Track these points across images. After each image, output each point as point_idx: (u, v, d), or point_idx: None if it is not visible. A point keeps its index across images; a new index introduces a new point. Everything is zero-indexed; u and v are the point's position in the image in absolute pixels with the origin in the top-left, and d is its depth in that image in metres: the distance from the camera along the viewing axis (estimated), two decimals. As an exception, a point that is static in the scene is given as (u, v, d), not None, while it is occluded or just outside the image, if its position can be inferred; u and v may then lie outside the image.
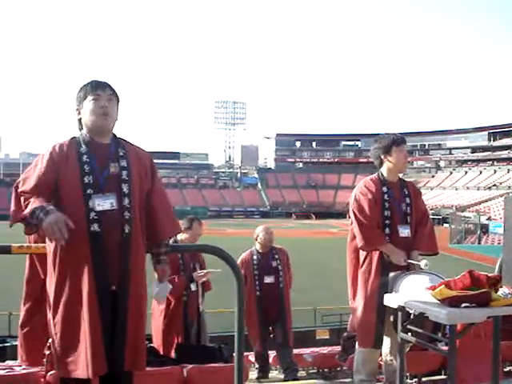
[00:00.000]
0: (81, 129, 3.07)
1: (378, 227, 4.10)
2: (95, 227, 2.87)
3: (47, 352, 3.30)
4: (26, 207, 2.81)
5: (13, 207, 2.89)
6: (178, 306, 5.41)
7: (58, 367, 2.90)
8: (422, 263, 3.85)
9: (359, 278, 4.17)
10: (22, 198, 2.86)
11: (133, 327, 2.93)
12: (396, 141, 4.22)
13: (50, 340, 2.97)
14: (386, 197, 4.15)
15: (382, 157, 4.25)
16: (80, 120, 3.06)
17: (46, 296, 2.97)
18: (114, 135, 3.10)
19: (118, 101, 3.10)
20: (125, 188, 2.96)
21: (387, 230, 4.10)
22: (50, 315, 2.92)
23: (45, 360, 3.46)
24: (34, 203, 2.79)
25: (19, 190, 2.90)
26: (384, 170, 4.27)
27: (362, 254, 4.17)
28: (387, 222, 4.12)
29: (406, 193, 4.25)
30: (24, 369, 3.98)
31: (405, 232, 4.13)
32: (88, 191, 2.88)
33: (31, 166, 2.97)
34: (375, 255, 4.09)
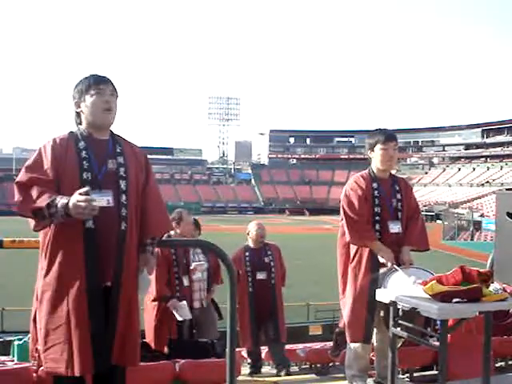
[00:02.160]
0: (79, 123, 3.04)
1: (368, 223, 4.10)
2: (90, 224, 2.84)
3: (39, 347, 3.29)
4: (37, 196, 2.74)
5: (20, 198, 2.78)
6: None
7: (43, 363, 2.89)
8: (411, 280, 3.60)
9: (349, 274, 4.17)
10: (34, 189, 2.76)
11: (123, 323, 2.92)
12: (380, 139, 4.18)
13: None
14: (376, 193, 4.15)
15: (369, 153, 4.27)
16: (78, 113, 3.02)
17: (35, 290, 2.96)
18: (111, 131, 3.08)
19: (117, 97, 3.06)
20: (122, 185, 2.95)
21: (377, 226, 4.10)
22: (37, 310, 2.91)
23: (36, 354, 3.45)
24: (47, 194, 2.74)
25: (25, 180, 2.80)
26: (373, 166, 4.28)
27: (353, 249, 4.17)
28: (377, 218, 4.11)
29: (397, 189, 4.25)
30: (16, 364, 3.97)
31: (395, 228, 4.13)
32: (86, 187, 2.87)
33: (34, 160, 2.88)
34: (365, 251, 4.09)
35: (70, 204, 2.67)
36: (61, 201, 2.72)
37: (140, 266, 3.04)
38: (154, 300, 5.37)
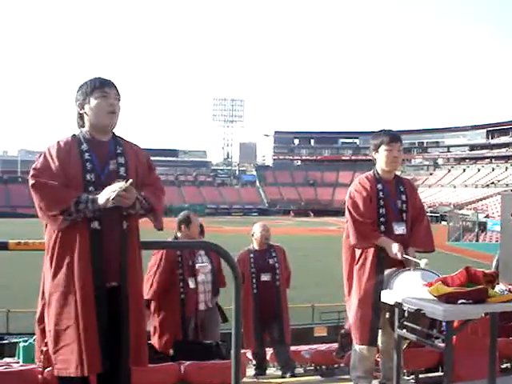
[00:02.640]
0: (81, 125, 3.07)
1: (373, 224, 4.09)
2: (95, 224, 2.88)
3: (44, 348, 3.30)
4: (60, 194, 2.81)
5: (43, 199, 2.83)
6: (176, 302, 5.41)
7: (52, 365, 2.90)
8: (423, 262, 3.76)
9: (354, 275, 4.16)
10: (53, 189, 2.81)
11: (134, 323, 2.95)
12: (384, 140, 4.17)
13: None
14: (381, 194, 4.14)
15: (373, 154, 4.25)
16: (81, 115, 3.05)
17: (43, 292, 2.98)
18: (113, 133, 3.11)
19: (120, 100, 3.09)
20: None
21: (382, 228, 4.09)
22: (45, 312, 2.93)
23: (42, 356, 3.46)
24: (69, 191, 2.82)
25: (38, 184, 2.84)
26: (378, 167, 4.27)
27: (358, 250, 4.16)
28: (382, 219, 4.10)
29: (402, 190, 4.23)
30: (21, 365, 3.98)
31: (400, 229, 4.11)
32: (90, 188, 2.89)
33: (40, 163, 2.91)
34: (370, 252, 4.08)
35: (100, 199, 2.79)
36: (89, 196, 2.80)
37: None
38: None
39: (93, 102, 2.99)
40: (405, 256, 3.91)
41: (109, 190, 2.79)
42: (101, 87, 3.00)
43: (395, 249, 3.94)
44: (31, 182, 2.86)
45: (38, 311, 3.73)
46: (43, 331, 3.70)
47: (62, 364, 2.83)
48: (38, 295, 3.68)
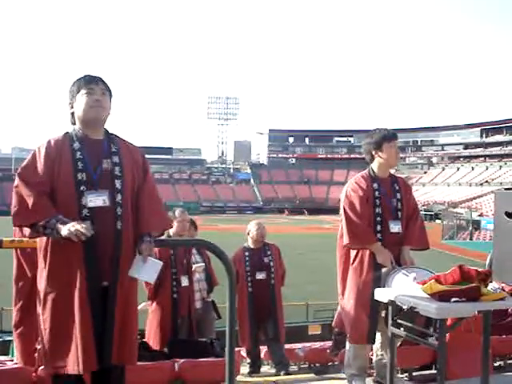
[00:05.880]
0: (73, 123, 3.06)
1: (369, 225, 4.09)
2: (88, 224, 2.86)
3: (38, 347, 3.29)
4: (32, 207, 2.79)
5: (17, 206, 2.84)
6: (168, 301, 5.41)
7: (47, 364, 2.90)
8: (411, 277, 3.77)
9: (350, 274, 4.16)
10: (29, 199, 2.80)
11: (120, 322, 2.93)
12: (386, 136, 4.20)
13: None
14: (377, 193, 4.15)
15: (373, 152, 4.25)
16: (73, 114, 3.05)
17: (36, 292, 2.97)
18: (107, 131, 3.09)
19: (111, 95, 3.09)
20: (118, 184, 2.96)
21: (378, 227, 4.10)
22: (39, 311, 2.92)
23: (36, 355, 3.45)
24: (44, 210, 2.80)
25: (20, 187, 2.85)
26: (375, 166, 4.26)
27: (353, 249, 4.16)
28: (378, 218, 4.11)
29: (397, 188, 4.25)
30: (15, 363, 3.96)
31: (396, 228, 4.13)
32: (81, 188, 2.88)
33: (28, 161, 2.92)
34: (367, 251, 4.09)
35: (63, 231, 2.73)
36: (57, 224, 2.77)
37: (144, 254, 2.96)
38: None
39: (79, 99, 2.99)
40: (394, 266, 3.94)
41: (70, 225, 2.74)
42: (86, 84, 2.99)
43: (385, 257, 4.00)
44: (15, 182, 2.87)
45: (16, 316, 3.73)
46: (21, 335, 3.71)
47: (58, 362, 2.83)
48: (12, 301, 3.68)
